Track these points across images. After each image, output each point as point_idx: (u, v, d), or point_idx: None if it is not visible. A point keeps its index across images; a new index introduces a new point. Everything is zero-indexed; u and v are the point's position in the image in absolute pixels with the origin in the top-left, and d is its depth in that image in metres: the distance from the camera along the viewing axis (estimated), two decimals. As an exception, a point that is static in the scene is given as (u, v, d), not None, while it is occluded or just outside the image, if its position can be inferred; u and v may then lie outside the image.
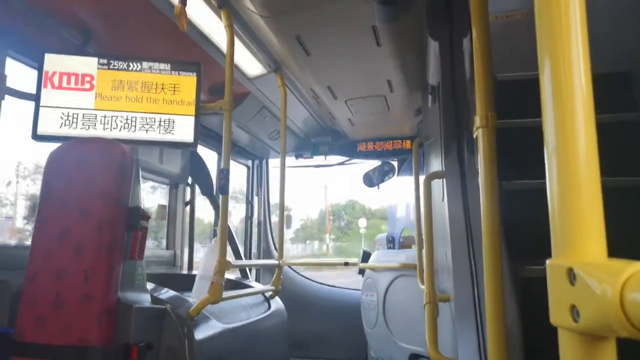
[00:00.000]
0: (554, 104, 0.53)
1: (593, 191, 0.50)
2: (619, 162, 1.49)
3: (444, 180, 1.98)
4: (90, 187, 1.81)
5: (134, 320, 1.75)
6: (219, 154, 3.59)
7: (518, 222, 1.43)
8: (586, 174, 0.50)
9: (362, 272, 3.73)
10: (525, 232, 1.43)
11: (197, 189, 3.30)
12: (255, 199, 4.39)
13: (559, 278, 0.49)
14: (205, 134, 3.34)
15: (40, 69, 1.97)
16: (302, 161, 4.24)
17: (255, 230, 4.34)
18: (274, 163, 4.56)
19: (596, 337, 0.47)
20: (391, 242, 3.65)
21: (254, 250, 4.32)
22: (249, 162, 4.40)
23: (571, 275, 0.47)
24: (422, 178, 3.15)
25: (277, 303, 2.89)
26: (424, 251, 2.21)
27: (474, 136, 1.27)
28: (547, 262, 0.52)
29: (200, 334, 1.95)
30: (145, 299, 1.90)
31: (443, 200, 2.02)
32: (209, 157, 3.54)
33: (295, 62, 2.67)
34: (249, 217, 4.32)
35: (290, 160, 4.13)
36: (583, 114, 0.51)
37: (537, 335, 1.29)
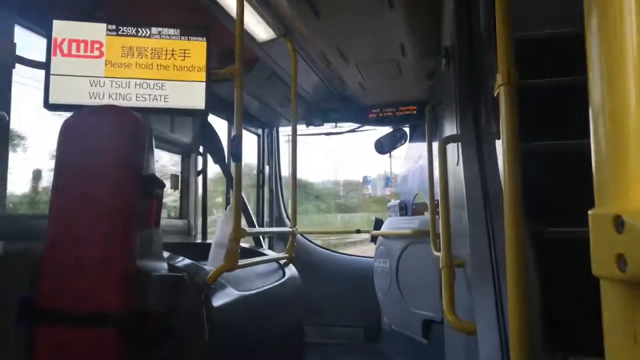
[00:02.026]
0: (601, 59, 0.50)
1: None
2: None
3: (459, 143, 1.95)
4: (105, 155, 1.81)
5: (152, 287, 1.77)
6: (230, 122, 3.56)
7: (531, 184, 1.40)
8: (635, 122, 0.47)
9: (374, 239, 3.74)
10: (536, 195, 1.41)
11: (210, 158, 3.29)
12: (267, 167, 4.38)
13: (604, 227, 0.47)
14: (214, 102, 3.30)
15: (49, 36, 1.93)
16: (312, 128, 4.21)
17: (267, 198, 4.35)
18: (284, 131, 4.53)
19: None
20: (403, 209, 3.64)
21: (266, 218, 4.34)
22: (259, 131, 4.37)
23: (618, 224, 0.45)
24: (435, 143, 3.11)
25: (291, 270, 2.91)
26: (438, 216, 2.19)
27: (495, 94, 1.23)
28: (590, 212, 0.50)
29: (218, 301, 1.96)
30: (162, 267, 1.91)
31: (458, 164, 1.99)
32: (218, 126, 3.52)
33: (305, 25, 2.61)
34: (260, 186, 4.32)
35: (300, 128, 4.09)
36: (633, 67, 0.48)
37: (556, 297, 1.28)
